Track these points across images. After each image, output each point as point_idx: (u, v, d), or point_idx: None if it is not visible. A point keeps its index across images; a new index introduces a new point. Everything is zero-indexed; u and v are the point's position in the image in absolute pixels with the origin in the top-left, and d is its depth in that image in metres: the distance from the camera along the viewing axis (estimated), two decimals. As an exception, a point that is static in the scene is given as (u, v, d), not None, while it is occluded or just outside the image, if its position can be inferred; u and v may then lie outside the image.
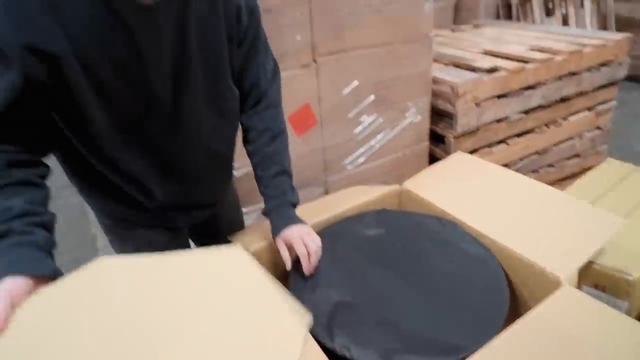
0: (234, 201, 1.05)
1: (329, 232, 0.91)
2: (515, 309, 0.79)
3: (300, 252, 0.77)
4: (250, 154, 0.85)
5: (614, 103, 1.95)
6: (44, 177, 0.65)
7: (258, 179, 0.84)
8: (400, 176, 1.11)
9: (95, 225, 0.87)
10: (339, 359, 0.65)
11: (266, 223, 0.86)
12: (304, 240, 0.78)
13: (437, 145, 1.67)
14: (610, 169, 1.46)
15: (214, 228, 1.00)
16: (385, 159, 1.56)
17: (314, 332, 0.67)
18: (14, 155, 0.60)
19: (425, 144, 1.63)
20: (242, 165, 1.25)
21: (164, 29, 0.62)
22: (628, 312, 0.79)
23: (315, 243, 0.79)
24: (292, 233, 0.79)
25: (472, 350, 0.61)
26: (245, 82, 0.79)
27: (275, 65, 0.84)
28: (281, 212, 0.81)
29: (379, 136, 1.51)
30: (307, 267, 0.78)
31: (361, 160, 1.50)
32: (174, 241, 0.89)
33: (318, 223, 0.94)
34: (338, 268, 0.81)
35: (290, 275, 0.82)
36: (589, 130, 1.93)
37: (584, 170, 1.90)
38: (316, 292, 0.76)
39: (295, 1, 1.18)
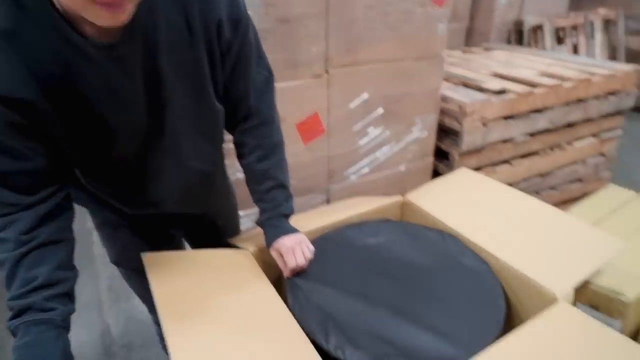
0: (230, 206, 1.06)
1: (328, 238, 0.93)
2: (511, 323, 0.80)
3: (290, 264, 0.79)
4: (243, 168, 0.85)
5: (619, 131, 1.97)
6: (70, 199, 0.66)
7: (251, 191, 0.85)
8: (403, 189, 1.12)
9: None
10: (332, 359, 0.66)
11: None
12: (294, 251, 0.79)
13: (441, 161, 1.68)
14: (611, 195, 1.47)
15: (209, 232, 1.01)
16: (389, 172, 1.58)
17: (309, 333, 0.69)
18: (42, 206, 0.60)
19: (430, 159, 1.64)
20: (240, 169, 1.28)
21: (132, 59, 0.59)
22: (620, 332, 0.79)
23: (309, 250, 0.81)
24: (285, 243, 0.80)
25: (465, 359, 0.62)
26: (233, 97, 0.75)
27: (269, 73, 0.79)
28: (274, 223, 0.83)
29: (384, 148, 1.53)
30: (300, 269, 0.80)
31: (365, 171, 1.52)
32: (166, 244, 0.90)
33: (317, 229, 0.96)
34: (336, 274, 0.83)
35: (287, 280, 0.83)
36: (593, 156, 1.94)
37: (586, 195, 1.90)
38: (313, 295, 0.77)
39: (314, 14, 1.21)
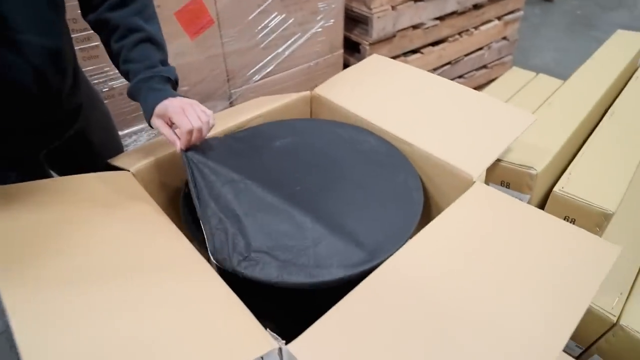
0: (103, 116, 0.85)
1: (230, 140, 0.78)
2: (428, 212, 0.77)
3: (184, 126, 0.61)
4: (111, 56, 0.66)
5: (521, 13, 1.97)
6: None
7: (113, 56, 0.65)
8: (314, 88, 1.00)
9: None
10: (238, 279, 0.57)
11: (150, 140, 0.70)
12: (186, 111, 0.61)
13: (352, 55, 1.56)
14: (515, 76, 1.49)
15: (84, 153, 0.81)
16: (296, 69, 1.42)
17: (213, 254, 0.58)
18: None
19: (340, 52, 1.50)
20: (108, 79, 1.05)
21: None
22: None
23: (205, 114, 0.64)
24: (172, 104, 0.62)
25: (390, 251, 0.57)
26: None
27: None
28: (153, 86, 0.63)
29: (288, 42, 1.35)
30: (197, 138, 0.64)
31: (269, 69, 1.35)
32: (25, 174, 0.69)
33: (219, 134, 0.81)
34: (238, 178, 0.70)
35: (182, 195, 0.70)
36: (497, 41, 1.95)
37: (491, 82, 1.95)
38: (212, 208, 0.64)
39: None
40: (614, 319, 0.71)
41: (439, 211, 0.63)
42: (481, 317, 0.49)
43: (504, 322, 0.49)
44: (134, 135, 1.18)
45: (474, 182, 0.69)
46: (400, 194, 0.70)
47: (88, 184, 0.68)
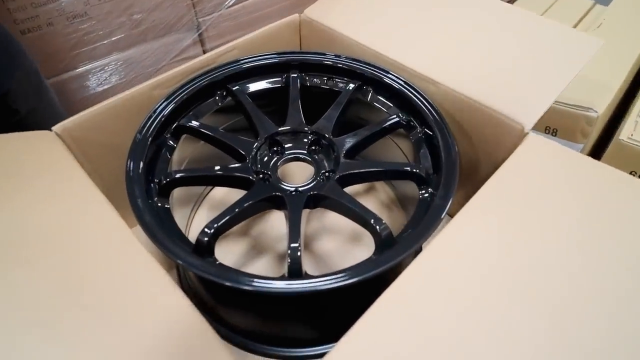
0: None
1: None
2: (474, 166, 0.60)
3: None
4: None
5: None
6: None
7: None
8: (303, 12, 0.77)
9: None
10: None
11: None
12: None
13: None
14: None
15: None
16: (280, -10, 1.16)
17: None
18: None
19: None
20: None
21: None
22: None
23: None
24: None
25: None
26: None
27: None
28: None
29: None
30: None
31: (245, -10, 1.09)
32: None
33: (182, 71, 0.60)
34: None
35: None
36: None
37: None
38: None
39: None
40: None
41: (478, 174, 0.46)
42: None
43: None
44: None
45: (527, 133, 0.51)
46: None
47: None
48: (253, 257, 0.63)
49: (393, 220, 0.67)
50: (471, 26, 0.65)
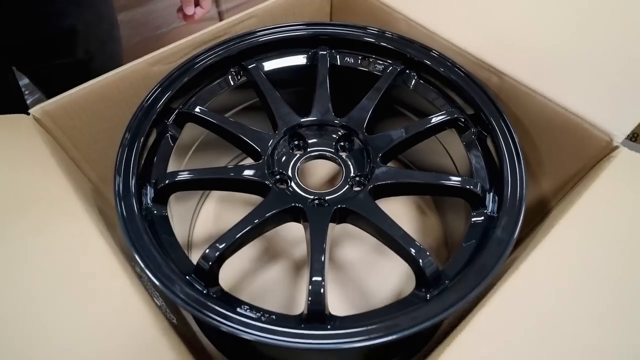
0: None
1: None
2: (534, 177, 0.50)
3: None
4: None
5: None
6: None
7: None
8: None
9: None
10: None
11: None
12: None
13: None
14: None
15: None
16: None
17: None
18: None
19: None
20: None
21: None
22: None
23: None
24: None
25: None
26: None
27: None
28: None
29: None
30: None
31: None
32: None
33: (196, 39, 0.50)
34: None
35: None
36: None
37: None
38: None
39: None
40: None
41: (539, 186, 0.36)
42: None
43: None
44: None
45: (616, 146, 0.40)
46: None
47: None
48: (266, 262, 0.55)
49: (427, 230, 0.57)
50: (545, 5, 0.52)
